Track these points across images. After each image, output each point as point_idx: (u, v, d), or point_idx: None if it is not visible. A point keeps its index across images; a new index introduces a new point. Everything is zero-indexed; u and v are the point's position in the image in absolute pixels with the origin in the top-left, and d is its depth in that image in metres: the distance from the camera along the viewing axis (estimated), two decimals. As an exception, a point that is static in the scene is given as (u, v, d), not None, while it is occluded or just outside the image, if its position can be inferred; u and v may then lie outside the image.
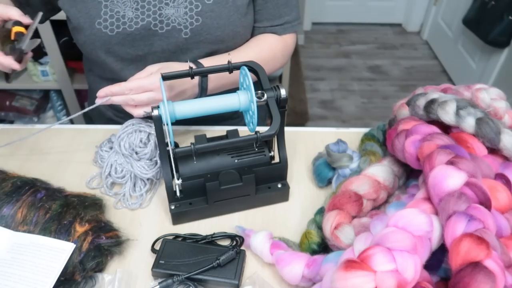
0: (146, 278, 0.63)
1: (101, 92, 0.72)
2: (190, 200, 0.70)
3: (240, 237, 0.67)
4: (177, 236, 0.68)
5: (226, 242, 0.67)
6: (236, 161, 0.69)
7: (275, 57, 0.90)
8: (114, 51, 0.82)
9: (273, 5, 0.86)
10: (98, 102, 0.72)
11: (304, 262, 0.59)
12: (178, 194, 0.68)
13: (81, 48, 0.85)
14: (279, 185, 0.73)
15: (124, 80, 0.73)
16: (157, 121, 0.62)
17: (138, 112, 0.73)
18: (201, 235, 0.67)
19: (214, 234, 0.67)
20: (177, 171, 0.67)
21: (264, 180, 0.72)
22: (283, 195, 0.74)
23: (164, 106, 0.60)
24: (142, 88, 0.71)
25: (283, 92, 0.64)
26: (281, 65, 0.93)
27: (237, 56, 0.83)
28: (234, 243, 0.67)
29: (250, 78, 0.63)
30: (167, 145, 0.65)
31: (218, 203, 0.70)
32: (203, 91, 0.80)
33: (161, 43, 0.82)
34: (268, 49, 0.88)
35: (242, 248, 0.66)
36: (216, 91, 0.82)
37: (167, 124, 0.60)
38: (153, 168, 0.74)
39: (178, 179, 0.67)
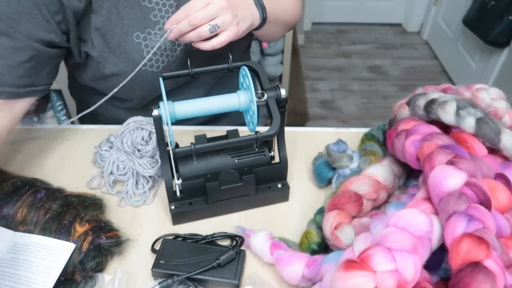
0: (146, 278, 0.63)
1: (167, 24, 0.68)
2: (190, 200, 0.70)
3: (240, 237, 0.67)
4: (177, 236, 0.68)
5: (226, 242, 0.67)
6: (236, 161, 0.69)
7: (298, 3, 0.90)
8: (159, 85, 0.80)
9: None
10: (168, 36, 0.69)
11: (304, 262, 0.59)
12: (178, 194, 0.68)
13: (116, 94, 0.75)
14: (279, 185, 0.73)
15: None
16: (157, 121, 0.62)
17: (204, 29, 0.67)
18: (201, 235, 0.67)
19: (214, 234, 0.67)
20: (177, 171, 0.67)
21: (264, 180, 0.72)
22: (283, 195, 0.74)
23: (164, 106, 0.60)
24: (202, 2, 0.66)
25: (283, 92, 0.64)
26: (298, 17, 0.93)
27: None
28: (234, 243, 0.67)
29: (250, 78, 0.63)
30: (167, 145, 0.65)
31: (218, 203, 0.70)
32: (263, 11, 0.76)
33: (199, 55, 0.80)
34: None
35: (242, 248, 0.66)
36: (275, 20, 0.81)
37: (167, 124, 0.60)
38: (155, 166, 0.75)
39: (178, 179, 0.67)
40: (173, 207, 0.69)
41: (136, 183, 0.75)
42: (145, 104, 0.89)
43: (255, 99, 0.62)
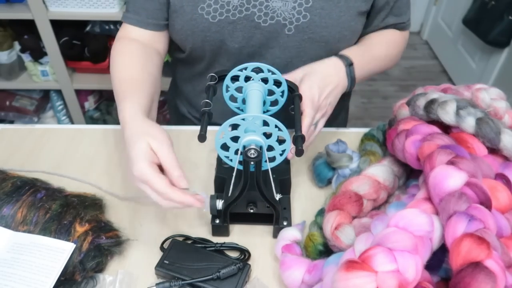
0: (145, 278, 0.63)
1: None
2: None
3: (248, 251, 0.66)
4: (187, 238, 0.67)
5: (235, 251, 0.67)
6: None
7: (399, 53, 0.93)
8: (212, 40, 0.77)
9: (398, 5, 0.85)
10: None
11: (304, 268, 0.58)
12: None
13: (176, 35, 0.80)
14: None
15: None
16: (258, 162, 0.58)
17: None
18: (211, 241, 0.66)
19: (224, 243, 0.66)
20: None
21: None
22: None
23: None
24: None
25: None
26: (398, 61, 0.96)
27: (368, 52, 0.83)
28: (242, 256, 0.65)
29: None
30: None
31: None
32: (352, 81, 0.78)
33: (260, 37, 0.77)
34: (394, 44, 0.90)
35: (250, 257, 0.65)
36: (364, 78, 0.82)
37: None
38: None
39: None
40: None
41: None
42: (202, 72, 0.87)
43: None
